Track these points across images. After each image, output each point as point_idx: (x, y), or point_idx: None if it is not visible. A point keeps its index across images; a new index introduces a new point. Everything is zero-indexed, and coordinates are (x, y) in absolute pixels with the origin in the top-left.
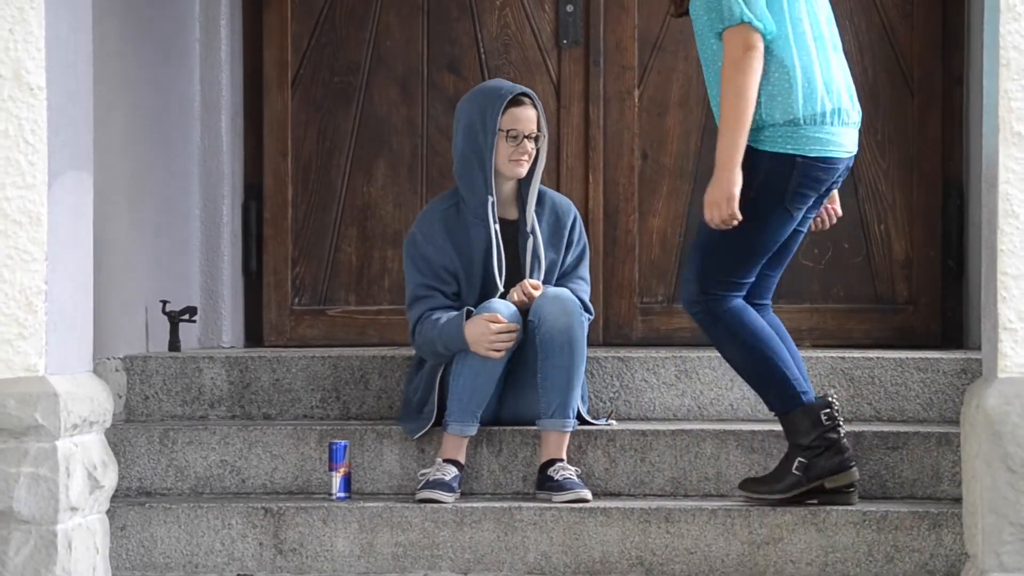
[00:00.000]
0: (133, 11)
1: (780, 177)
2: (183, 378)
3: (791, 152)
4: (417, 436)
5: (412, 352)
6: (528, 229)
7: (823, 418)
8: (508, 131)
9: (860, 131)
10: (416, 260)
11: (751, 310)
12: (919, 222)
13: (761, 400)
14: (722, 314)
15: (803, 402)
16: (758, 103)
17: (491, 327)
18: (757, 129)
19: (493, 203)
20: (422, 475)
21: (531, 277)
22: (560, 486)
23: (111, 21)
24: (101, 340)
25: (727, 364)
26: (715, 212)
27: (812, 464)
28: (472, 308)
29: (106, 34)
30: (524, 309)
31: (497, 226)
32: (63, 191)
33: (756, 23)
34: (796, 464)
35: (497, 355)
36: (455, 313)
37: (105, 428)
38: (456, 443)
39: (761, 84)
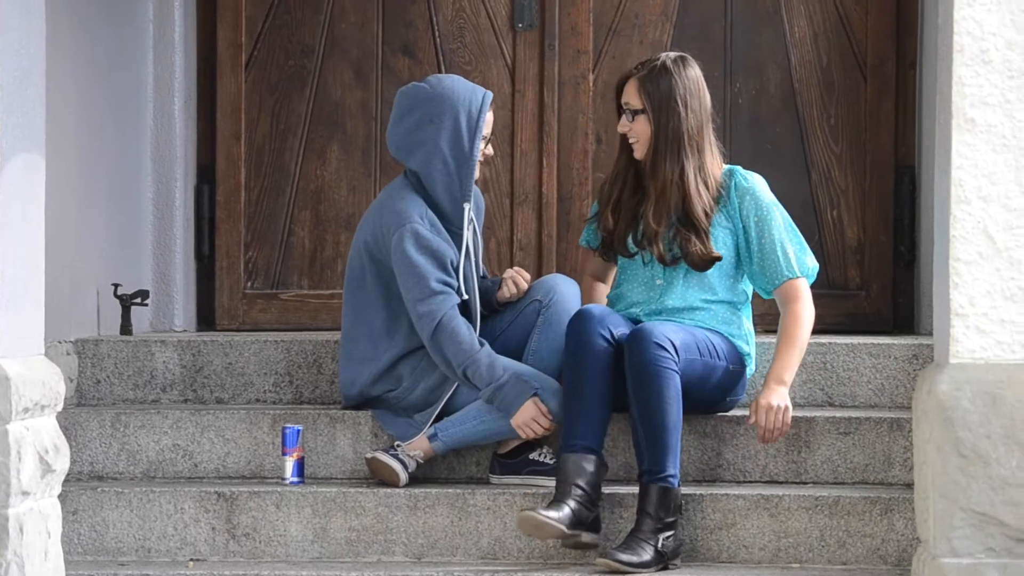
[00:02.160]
0: None
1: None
2: (135, 362)
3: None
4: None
5: None
6: (467, 223)
7: (681, 504)
8: (488, 136)
9: (813, 117)
10: (425, 252)
11: None
12: (871, 208)
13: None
14: (677, 376)
15: (679, 483)
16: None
17: (543, 423)
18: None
19: (470, 210)
20: (396, 446)
21: (477, 268)
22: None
23: (64, 2)
24: (52, 323)
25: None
26: (771, 417)
27: (668, 543)
28: (537, 388)
29: (59, 16)
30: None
31: (469, 233)
32: (15, 173)
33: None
34: (660, 541)
35: (524, 437)
36: (520, 378)
37: (57, 412)
38: (428, 450)
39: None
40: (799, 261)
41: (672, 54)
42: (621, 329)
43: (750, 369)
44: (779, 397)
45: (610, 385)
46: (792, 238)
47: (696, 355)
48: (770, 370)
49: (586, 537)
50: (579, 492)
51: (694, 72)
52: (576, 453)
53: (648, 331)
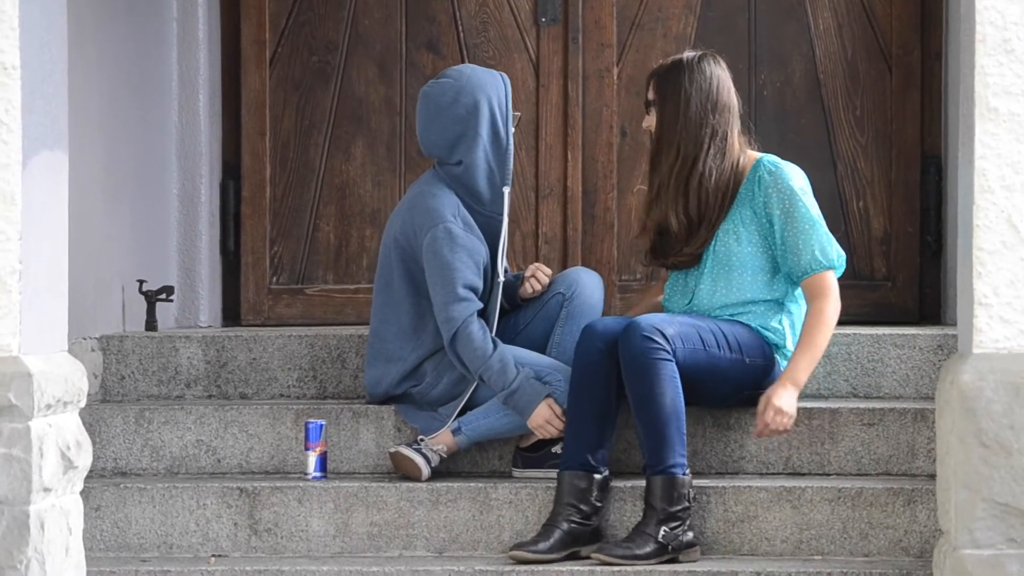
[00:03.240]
0: None
1: (764, 377)
2: (159, 358)
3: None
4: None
5: None
6: (506, 207)
7: (691, 494)
8: (515, 114)
9: (838, 109)
10: (458, 252)
11: None
12: (898, 198)
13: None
14: (671, 364)
15: (686, 471)
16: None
17: (557, 425)
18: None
19: (510, 193)
20: (419, 440)
21: (504, 259)
22: None
23: (87, 1)
24: (77, 319)
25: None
26: (778, 419)
27: (674, 534)
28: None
29: (82, 13)
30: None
31: (506, 218)
32: (37, 170)
33: (841, 268)
34: (662, 533)
35: (543, 435)
36: (533, 381)
37: (80, 408)
38: (452, 444)
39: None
40: (824, 253)
41: (693, 52)
42: None
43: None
44: (788, 399)
45: (612, 397)
46: (817, 229)
47: (700, 346)
48: (786, 368)
49: (585, 551)
50: (571, 511)
51: (710, 69)
52: (569, 471)
53: (636, 324)
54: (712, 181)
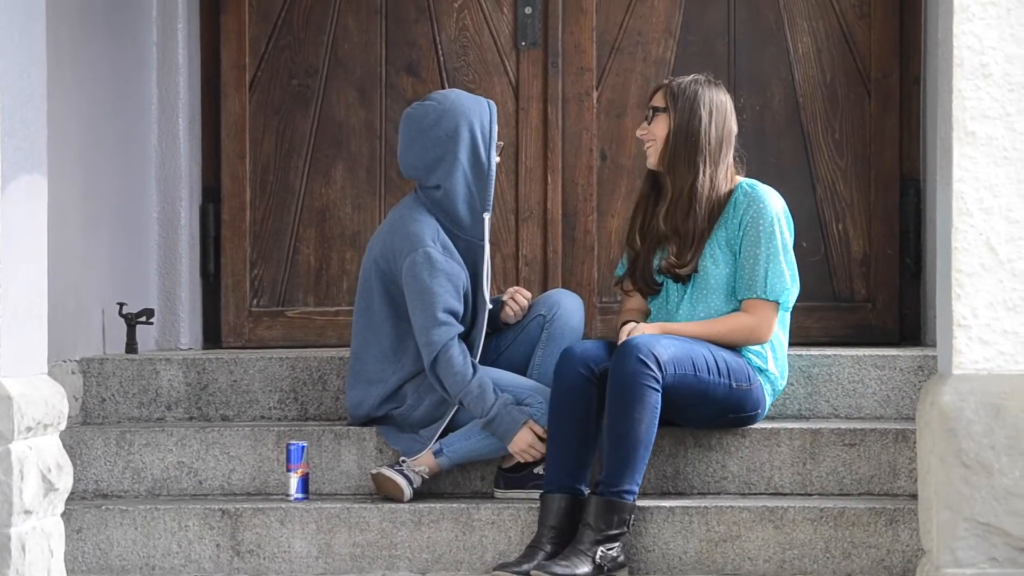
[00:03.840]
0: (88, 14)
1: (747, 401)
2: (140, 380)
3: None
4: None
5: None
6: (487, 234)
7: (632, 520)
8: (498, 143)
9: (817, 132)
10: (437, 276)
11: None
12: (877, 221)
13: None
14: (657, 394)
15: (634, 498)
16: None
17: (539, 448)
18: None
19: (490, 220)
20: (401, 462)
21: (487, 283)
22: None
23: (66, 24)
24: (57, 342)
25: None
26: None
27: (610, 556)
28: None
29: (61, 37)
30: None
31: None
32: (16, 194)
33: (785, 308)
34: (599, 553)
35: (524, 460)
36: (511, 408)
37: (60, 430)
38: (434, 465)
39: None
40: (771, 284)
41: (707, 75)
42: (605, 364)
43: (772, 383)
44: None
45: (592, 420)
46: (775, 259)
47: (690, 371)
48: (674, 324)
49: None
50: (554, 533)
51: (723, 95)
52: (551, 493)
53: (635, 344)
54: (716, 197)
